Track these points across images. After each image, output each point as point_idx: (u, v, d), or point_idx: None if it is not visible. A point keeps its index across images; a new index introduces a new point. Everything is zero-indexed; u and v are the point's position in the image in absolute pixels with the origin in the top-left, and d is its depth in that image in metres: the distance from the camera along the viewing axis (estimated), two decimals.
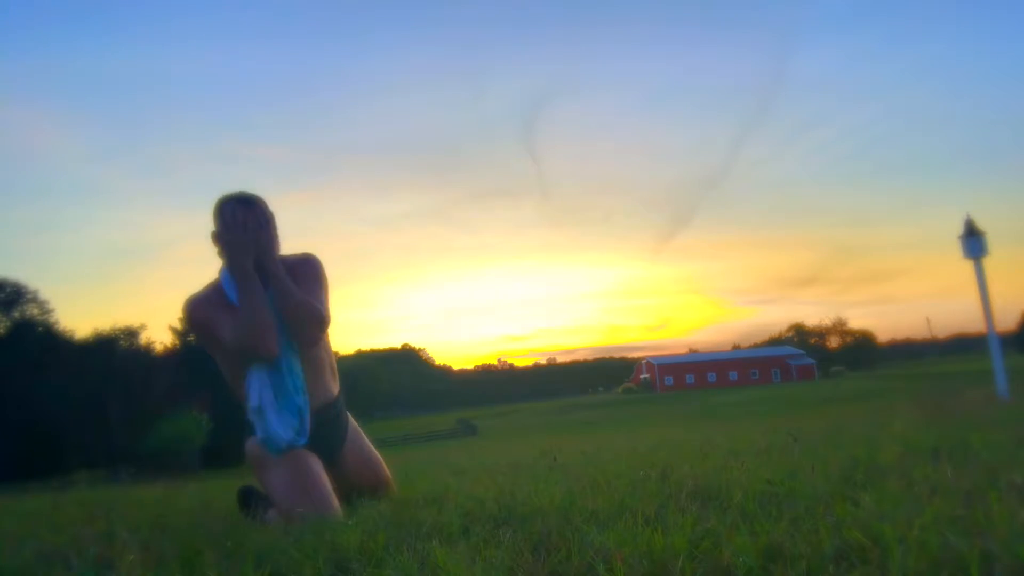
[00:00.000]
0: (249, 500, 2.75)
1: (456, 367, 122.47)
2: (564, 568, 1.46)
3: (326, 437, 2.58)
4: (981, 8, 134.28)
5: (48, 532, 2.53)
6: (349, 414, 2.82)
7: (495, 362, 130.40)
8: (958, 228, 8.78)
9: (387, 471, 2.87)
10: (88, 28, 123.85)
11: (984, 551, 1.24)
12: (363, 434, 2.86)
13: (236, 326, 2.23)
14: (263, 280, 2.31)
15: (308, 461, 2.40)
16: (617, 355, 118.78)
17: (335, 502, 2.35)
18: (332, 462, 2.63)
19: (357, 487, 2.70)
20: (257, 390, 2.31)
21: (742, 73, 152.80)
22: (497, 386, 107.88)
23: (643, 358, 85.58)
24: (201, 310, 2.33)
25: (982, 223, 8.68)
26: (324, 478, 2.41)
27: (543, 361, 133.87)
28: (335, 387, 2.67)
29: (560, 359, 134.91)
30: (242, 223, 2.30)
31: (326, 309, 2.39)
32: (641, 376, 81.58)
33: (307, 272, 2.44)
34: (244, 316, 2.22)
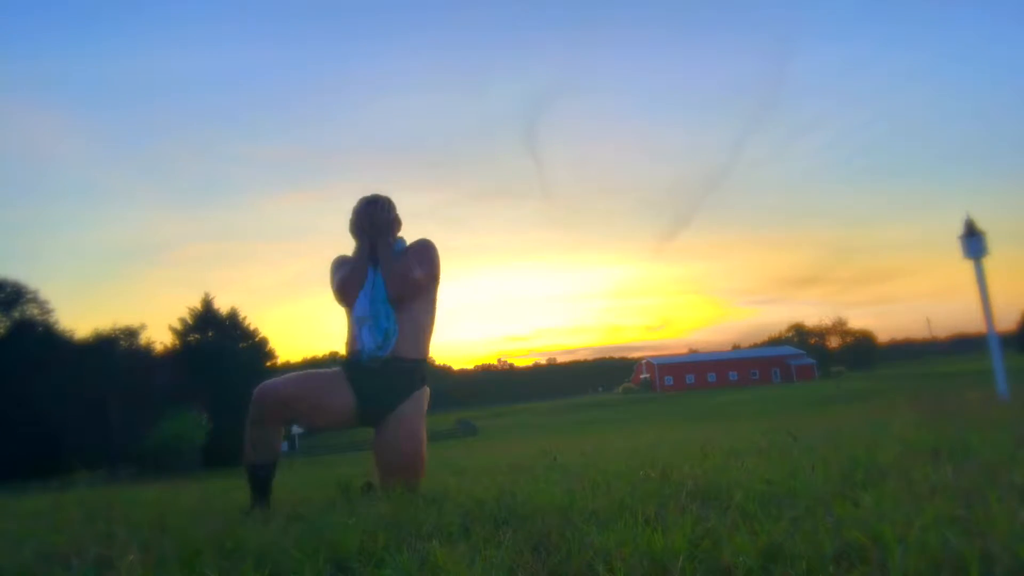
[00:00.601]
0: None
1: (456, 367, 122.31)
2: (564, 568, 1.46)
3: (380, 385, 2.89)
4: (980, 9, 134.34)
5: (48, 532, 2.53)
6: (426, 396, 3.06)
7: (495, 362, 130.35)
8: (958, 228, 8.78)
9: (423, 463, 2.96)
10: (90, 31, 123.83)
11: (984, 551, 1.25)
12: (423, 420, 3.02)
13: (339, 277, 3.07)
14: (377, 256, 3.06)
15: (322, 381, 2.90)
16: (617, 355, 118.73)
17: (279, 394, 2.78)
18: (376, 416, 2.91)
19: (388, 460, 2.86)
20: (359, 312, 2.98)
21: (743, 75, 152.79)
22: (497, 386, 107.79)
23: (643, 358, 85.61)
24: (336, 262, 3.18)
25: (982, 223, 8.68)
26: (308, 391, 2.85)
27: (543, 361, 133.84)
28: (416, 351, 3.01)
29: (560, 359, 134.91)
30: (366, 216, 3.08)
31: (412, 275, 2.99)
32: (641, 376, 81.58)
33: (416, 249, 3.12)
34: (344, 274, 3.06)
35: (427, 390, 3.07)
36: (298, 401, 2.80)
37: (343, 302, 3.05)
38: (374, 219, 3.07)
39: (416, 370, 3.00)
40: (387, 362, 2.88)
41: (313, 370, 3.00)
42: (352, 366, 2.91)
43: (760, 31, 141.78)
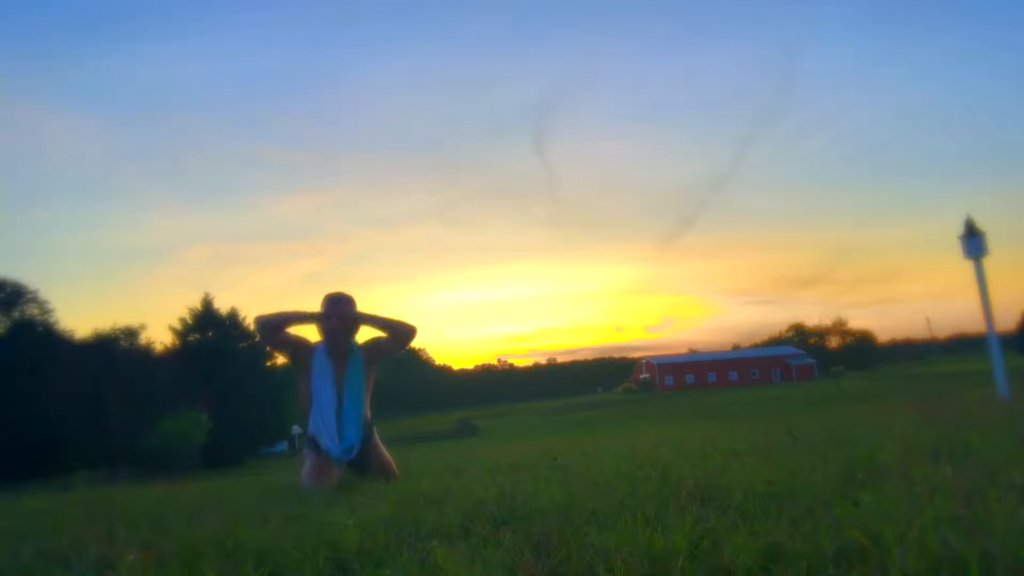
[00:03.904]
0: None
1: (456, 367, 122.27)
2: (564, 568, 1.46)
3: (354, 463, 3.57)
4: (981, 9, 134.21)
5: (48, 532, 2.53)
6: (376, 435, 3.74)
7: (495, 362, 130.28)
8: (958, 228, 8.77)
9: (395, 468, 3.75)
10: (96, 32, 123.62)
11: (984, 551, 1.25)
12: (382, 447, 3.76)
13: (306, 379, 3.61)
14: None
15: (322, 469, 3.45)
16: (617, 355, 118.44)
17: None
18: (361, 468, 3.60)
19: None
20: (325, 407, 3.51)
21: (748, 77, 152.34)
22: (497, 386, 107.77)
23: (643, 358, 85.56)
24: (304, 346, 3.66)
25: (982, 223, 8.67)
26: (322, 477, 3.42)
27: (543, 361, 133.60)
28: (368, 413, 3.63)
29: (560, 359, 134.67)
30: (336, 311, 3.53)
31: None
32: (641, 376, 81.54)
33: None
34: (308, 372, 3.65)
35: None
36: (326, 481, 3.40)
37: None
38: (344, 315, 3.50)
39: (372, 429, 3.64)
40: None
41: (312, 464, 3.46)
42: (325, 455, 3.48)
43: (765, 33, 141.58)
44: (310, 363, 3.45)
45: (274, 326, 3.47)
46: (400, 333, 3.57)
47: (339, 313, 3.45)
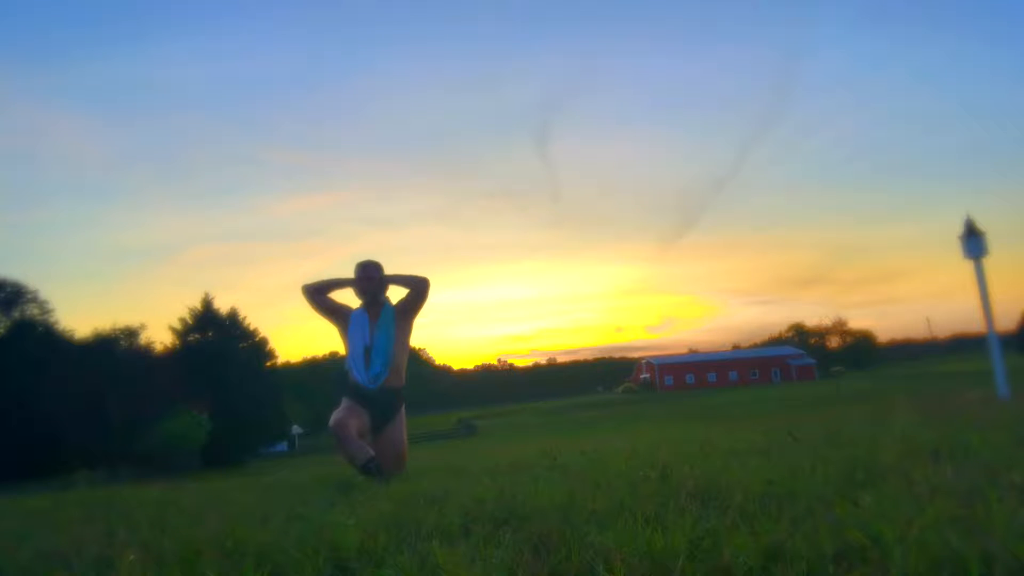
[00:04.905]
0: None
1: (456, 367, 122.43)
2: (564, 568, 1.46)
3: (380, 411, 4.03)
4: (980, 10, 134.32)
5: (48, 532, 2.53)
6: (404, 412, 4.23)
7: (495, 362, 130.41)
8: (958, 228, 8.76)
9: (406, 459, 4.21)
10: (100, 33, 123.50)
11: (984, 551, 1.25)
12: (405, 429, 4.24)
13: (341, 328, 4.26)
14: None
15: (357, 410, 3.94)
16: (617, 355, 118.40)
17: (349, 431, 3.76)
18: (376, 431, 4.04)
19: (381, 456, 3.85)
20: (356, 350, 4.10)
21: (749, 77, 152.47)
22: (497, 386, 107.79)
23: (643, 358, 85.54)
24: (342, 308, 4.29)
25: (982, 223, 8.66)
26: (355, 418, 3.88)
27: (543, 361, 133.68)
28: (397, 382, 4.14)
29: (560, 359, 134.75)
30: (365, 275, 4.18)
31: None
32: (641, 376, 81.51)
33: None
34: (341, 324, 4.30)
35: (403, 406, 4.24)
36: (357, 421, 3.86)
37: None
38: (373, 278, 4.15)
39: (398, 401, 4.15)
40: (380, 390, 4.01)
41: (346, 405, 3.94)
42: (356, 393, 4.00)
43: (766, 34, 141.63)
44: (349, 321, 4.15)
45: (318, 289, 4.22)
46: (414, 285, 4.26)
47: (368, 275, 4.18)
